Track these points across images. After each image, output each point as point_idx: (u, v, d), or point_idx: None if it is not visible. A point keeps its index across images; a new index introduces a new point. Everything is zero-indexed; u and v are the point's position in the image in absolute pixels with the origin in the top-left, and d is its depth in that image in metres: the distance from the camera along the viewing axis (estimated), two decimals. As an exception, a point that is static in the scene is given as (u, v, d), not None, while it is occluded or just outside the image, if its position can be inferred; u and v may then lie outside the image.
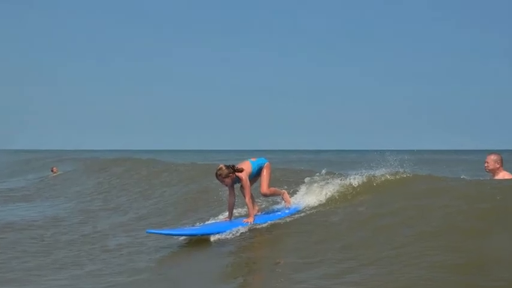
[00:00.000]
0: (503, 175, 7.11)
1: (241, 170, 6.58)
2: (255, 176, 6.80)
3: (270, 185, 6.86)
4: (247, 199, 6.55)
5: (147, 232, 6.33)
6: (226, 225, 6.40)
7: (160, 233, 6.22)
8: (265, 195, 6.91)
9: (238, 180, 6.60)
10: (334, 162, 28.05)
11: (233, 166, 6.60)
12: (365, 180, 7.34)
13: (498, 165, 7.34)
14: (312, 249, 5.11)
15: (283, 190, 7.32)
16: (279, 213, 6.85)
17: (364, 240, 5.13)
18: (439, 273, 3.91)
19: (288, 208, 6.98)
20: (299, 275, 4.39)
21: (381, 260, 4.44)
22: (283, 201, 7.19)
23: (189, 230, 6.37)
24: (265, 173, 6.82)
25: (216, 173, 6.59)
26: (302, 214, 6.80)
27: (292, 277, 4.35)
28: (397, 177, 7.38)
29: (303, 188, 7.70)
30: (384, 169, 7.64)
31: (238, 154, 42.46)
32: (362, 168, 7.64)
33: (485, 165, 7.45)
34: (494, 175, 7.28)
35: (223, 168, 6.55)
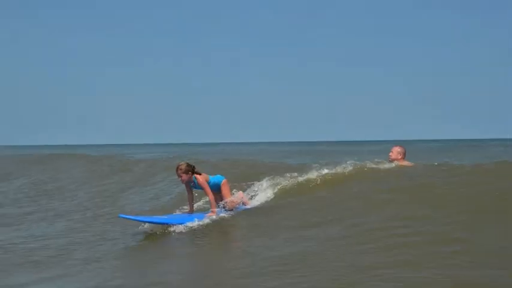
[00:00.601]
0: (404, 163, 9.23)
1: (199, 173, 7.65)
2: (212, 190, 7.73)
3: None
4: (210, 197, 7.62)
5: (119, 216, 7.24)
6: (191, 217, 7.40)
7: (131, 219, 7.19)
8: (230, 210, 7.82)
9: (196, 184, 7.68)
10: (323, 152, 29.44)
11: (194, 167, 7.70)
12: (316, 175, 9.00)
13: (400, 156, 9.41)
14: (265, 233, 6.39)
15: (240, 194, 8.26)
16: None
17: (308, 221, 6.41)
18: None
19: (245, 206, 8.11)
20: (258, 259, 5.33)
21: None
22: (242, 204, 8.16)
23: (157, 218, 7.34)
24: (225, 191, 7.87)
25: (177, 167, 7.68)
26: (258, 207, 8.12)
27: (251, 261, 5.29)
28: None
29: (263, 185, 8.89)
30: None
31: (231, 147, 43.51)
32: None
33: (390, 154, 9.52)
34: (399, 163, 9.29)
35: (184, 164, 7.65)
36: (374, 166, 9.14)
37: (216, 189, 7.81)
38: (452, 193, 6.76)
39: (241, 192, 8.37)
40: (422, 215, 5.98)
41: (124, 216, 7.24)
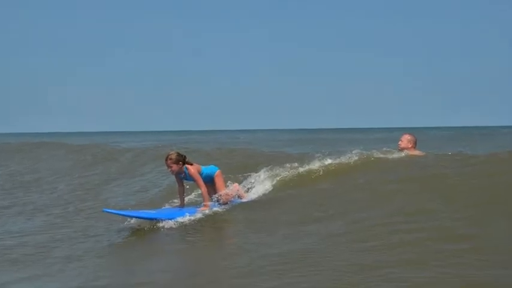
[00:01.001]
0: (415, 152, 9.33)
1: (190, 163, 7.69)
2: (205, 182, 7.77)
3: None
4: (203, 189, 7.66)
5: (103, 211, 7.30)
6: (181, 211, 7.41)
7: (116, 213, 7.23)
8: (225, 204, 7.84)
9: (187, 176, 7.69)
10: (325, 140, 29.64)
11: (185, 156, 7.74)
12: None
13: (410, 145, 9.54)
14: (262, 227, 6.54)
15: (235, 186, 8.29)
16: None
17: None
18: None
19: (241, 199, 8.17)
20: (255, 253, 5.47)
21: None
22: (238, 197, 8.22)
23: (145, 213, 7.38)
24: (219, 183, 7.91)
25: (166, 157, 7.75)
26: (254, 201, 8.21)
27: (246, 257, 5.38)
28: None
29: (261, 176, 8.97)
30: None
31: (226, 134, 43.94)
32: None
33: (399, 143, 9.62)
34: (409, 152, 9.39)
35: (175, 154, 7.69)
36: (382, 156, 9.25)
37: (209, 181, 7.88)
38: (464, 184, 6.85)
39: (236, 184, 8.41)
40: (431, 209, 6.05)
41: (109, 210, 7.30)
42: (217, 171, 7.97)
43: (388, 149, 9.68)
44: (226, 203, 7.83)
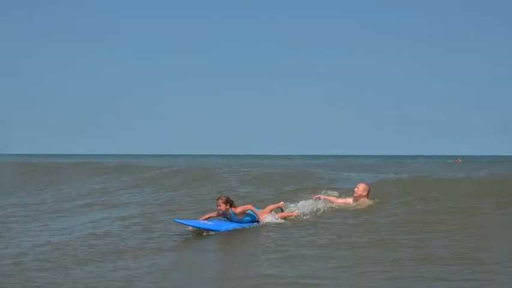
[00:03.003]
0: (364, 201, 11.78)
1: (234, 206, 10.71)
2: (247, 221, 10.84)
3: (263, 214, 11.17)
4: (242, 208, 10.80)
5: (174, 221, 10.39)
6: (229, 224, 10.60)
7: (187, 224, 10.31)
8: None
9: (232, 216, 10.61)
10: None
11: (232, 202, 10.77)
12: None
13: (365, 194, 11.89)
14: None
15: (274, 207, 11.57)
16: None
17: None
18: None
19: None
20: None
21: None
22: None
23: (209, 225, 10.39)
24: (261, 216, 11.00)
25: (219, 196, 10.86)
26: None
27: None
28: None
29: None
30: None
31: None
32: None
33: (355, 189, 11.99)
34: (357, 200, 11.88)
35: (226, 197, 10.79)
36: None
37: (251, 220, 10.83)
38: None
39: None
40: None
41: (178, 221, 10.32)
42: (260, 211, 10.99)
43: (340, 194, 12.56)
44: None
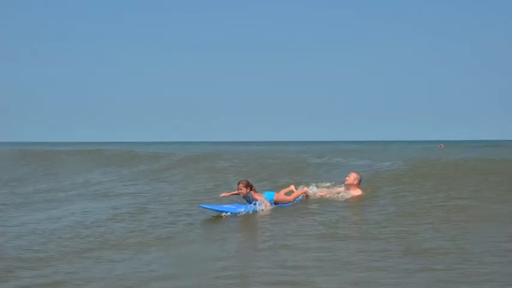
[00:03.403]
0: (355, 192, 11.84)
1: (255, 191, 11.46)
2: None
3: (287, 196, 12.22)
4: (266, 204, 11.42)
5: (199, 206, 10.99)
6: (248, 207, 11.27)
7: (211, 208, 10.86)
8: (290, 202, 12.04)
9: (251, 199, 11.32)
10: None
11: (252, 185, 11.50)
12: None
13: (355, 183, 11.93)
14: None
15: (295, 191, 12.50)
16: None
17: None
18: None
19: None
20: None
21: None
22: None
23: (231, 208, 11.05)
24: (282, 199, 11.93)
25: (240, 180, 11.60)
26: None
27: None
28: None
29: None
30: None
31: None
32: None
33: (346, 178, 12.08)
34: (349, 189, 11.95)
35: (246, 181, 11.51)
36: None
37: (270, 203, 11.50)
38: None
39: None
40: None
41: (204, 206, 10.87)
42: (275, 194, 11.79)
43: (333, 184, 12.71)
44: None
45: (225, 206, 11.29)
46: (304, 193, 12.31)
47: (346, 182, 12.13)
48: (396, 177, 14.48)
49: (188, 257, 8.07)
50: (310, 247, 8.04)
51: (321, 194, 12.32)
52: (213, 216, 10.87)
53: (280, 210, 11.41)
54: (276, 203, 11.73)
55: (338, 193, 12.15)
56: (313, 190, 12.35)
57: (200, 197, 13.72)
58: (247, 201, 11.41)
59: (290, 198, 12.10)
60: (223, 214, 10.86)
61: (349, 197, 11.92)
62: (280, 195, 12.00)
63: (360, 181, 12.11)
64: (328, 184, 13.26)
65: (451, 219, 9.64)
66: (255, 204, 11.24)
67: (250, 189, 11.34)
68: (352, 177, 12.10)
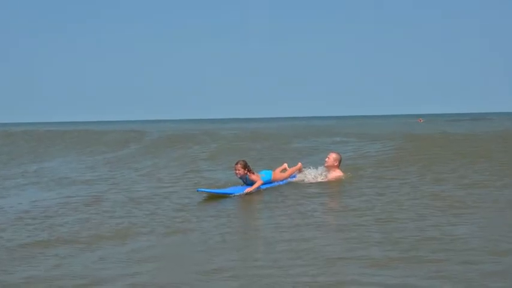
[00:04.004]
0: (335, 173, 11.54)
1: (252, 172, 11.35)
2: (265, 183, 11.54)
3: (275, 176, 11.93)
4: (257, 184, 11.24)
5: (197, 190, 10.63)
6: (241, 188, 11.27)
7: (209, 192, 10.73)
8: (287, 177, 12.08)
9: (247, 180, 11.23)
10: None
11: (249, 167, 11.36)
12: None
13: (336, 164, 11.61)
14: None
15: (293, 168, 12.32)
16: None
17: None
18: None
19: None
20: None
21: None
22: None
23: (228, 190, 11.05)
24: (279, 177, 11.82)
25: (237, 161, 11.43)
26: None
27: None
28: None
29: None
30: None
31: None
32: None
33: (326, 159, 11.72)
34: (329, 170, 11.62)
35: (244, 162, 11.36)
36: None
37: (268, 182, 11.50)
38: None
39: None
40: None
41: (202, 190, 10.70)
42: (272, 173, 11.70)
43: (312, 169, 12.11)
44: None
45: (221, 189, 11.23)
46: (299, 169, 12.25)
47: (326, 164, 11.79)
48: (379, 159, 14.09)
49: (146, 251, 7.11)
50: (285, 239, 7.34)
51: (299, 178, 12.05)
52: (177, 204, 10.08)
53: (255, 199, 10.75)
54: (273, 181, 11.73)
55: (319, 175, 11.89)
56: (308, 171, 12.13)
57: (165, 185, 12.83)
58: (244, 182, 11.32)
59: (286, 175, 12.02)
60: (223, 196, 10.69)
61: (330, 177, 11.64)
62: (277, 174, 11.90)
63: (340, 161, 11.79)
64: (310, 169, 12.40)
65: (435, 204, 8.94)
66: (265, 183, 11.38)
67: (248, 171, 11.21)
68: (332, 158, 11.75)
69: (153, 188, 12.36)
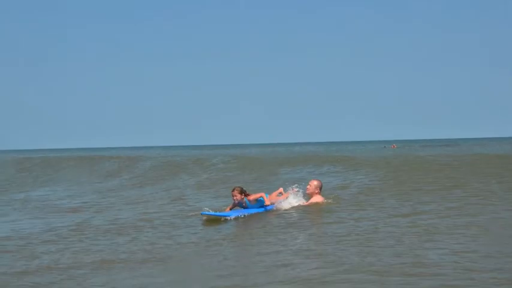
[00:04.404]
0: (316, 198, 11.87)
1: (249, 194, 11.93)
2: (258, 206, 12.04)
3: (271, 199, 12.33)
4: (255, 196, 12.01)
5: (202, 214, 11.24)
6: (245, 211, 11.76)
7: (213, 215, 11.21)
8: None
9: (247, 204, 11.76)
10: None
11: (245, 191, 11.94)
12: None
13: (317, 191, 11.98)
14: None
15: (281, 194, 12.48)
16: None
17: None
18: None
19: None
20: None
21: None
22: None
23: (230, 213, 11.49)
24: (270, 201, 12.20)
25: (234, 188, 12.00)
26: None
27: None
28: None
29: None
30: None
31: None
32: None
33: (307, 187, 12.07)
34: (310, 197, 11.95)
35: (240, 188, 12.00)
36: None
37: (261, 206, 11.90)
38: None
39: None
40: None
41: (206, 213, 11.14)
42: (266, 198, 11.96)
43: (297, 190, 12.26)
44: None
45: (224, 212, 11.65)
46: (281, 192, 12.47)
47: (307, 191, 12.11)
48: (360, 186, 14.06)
49: (126, 281, 7.19)
50: (267, 265, 7.48)
51: (280, 206, 12.10)
52: (160, 232, 10.17)
53: (231, 227, 10.85)
54: (270, 204, 12.03)
55: (301, 201, 12.08)
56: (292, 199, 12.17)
57: (150, 211, 12.95)
58: (242, 207, 11.80)
59: (281, 198, 12.23)
60: (228, 218, 11.19)
61: (312, 202, 11.92)
62: (273, 197, 12.25)
63: (321, 188, 12.13)
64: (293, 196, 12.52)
65: (412, 231, 9.09)
66: (251, 207, 11.74)
67: (245, 195, 11.76)
68: (313, 186, 12.11)
69: (138, 214, 12.51)
